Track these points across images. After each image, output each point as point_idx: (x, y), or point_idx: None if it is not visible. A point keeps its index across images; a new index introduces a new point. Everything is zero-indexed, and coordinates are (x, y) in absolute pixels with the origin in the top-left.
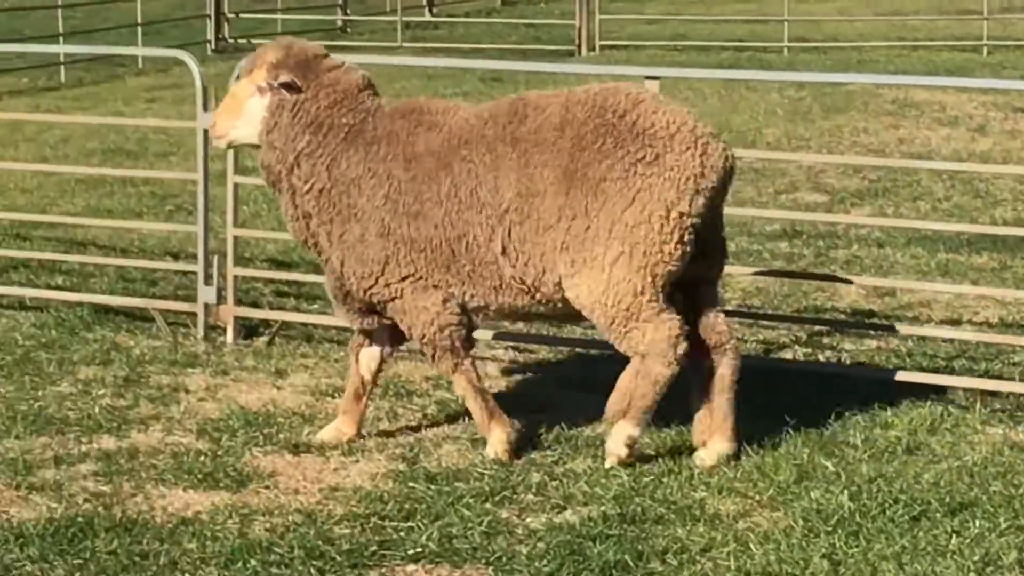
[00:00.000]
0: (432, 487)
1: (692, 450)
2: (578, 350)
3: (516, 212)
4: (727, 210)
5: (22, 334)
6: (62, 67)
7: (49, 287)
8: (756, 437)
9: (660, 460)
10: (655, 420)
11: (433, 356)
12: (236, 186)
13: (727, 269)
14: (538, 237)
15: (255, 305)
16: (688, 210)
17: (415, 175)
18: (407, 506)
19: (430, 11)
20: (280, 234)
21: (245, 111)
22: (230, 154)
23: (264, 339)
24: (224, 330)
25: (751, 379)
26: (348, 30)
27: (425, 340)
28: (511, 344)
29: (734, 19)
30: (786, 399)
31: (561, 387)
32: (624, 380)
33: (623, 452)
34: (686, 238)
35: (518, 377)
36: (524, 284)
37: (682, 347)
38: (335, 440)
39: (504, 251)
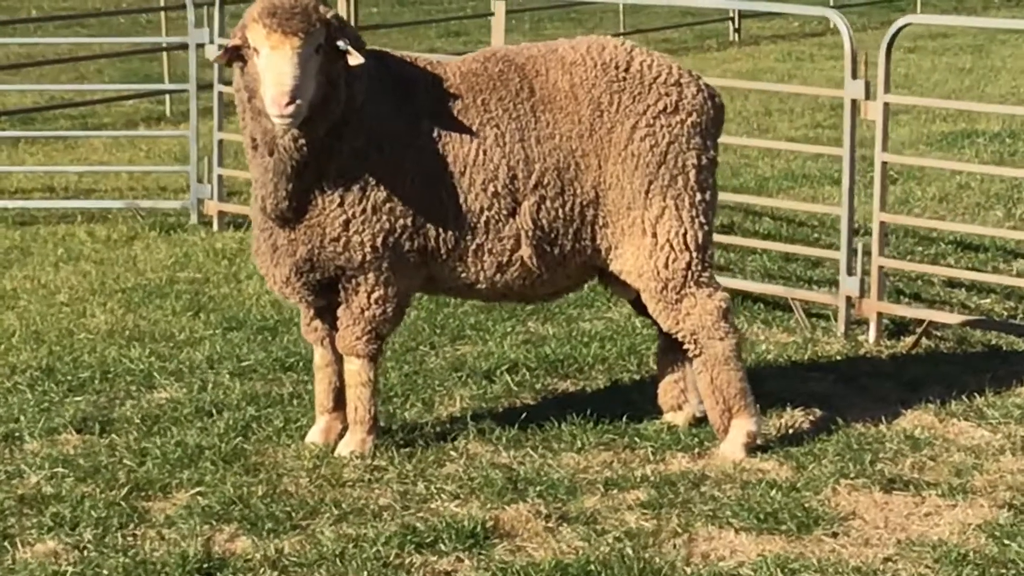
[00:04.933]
0: None
1: None
2: None
3: (547, 187)
4: None
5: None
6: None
7: None
8: None
9: None
10: None
11: (359, 335)
12: (884, 164)
13: None
14: (572, 213)
15: (906, 297)
16: (713, 154)
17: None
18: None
19: None
20: (926, 222)
21: None
22: (878, 128)
23: (909, 340)
24: (867, 326)
25: None
26: None
27: (367, 317)
28: None
29: None
30: None
31: None
32: (704, 386)
33: (741, 454)
34: (715, 183)
35: None
36: (540, 262)
37: (732, 317)
38: (324, 441)
39: (530, 228)
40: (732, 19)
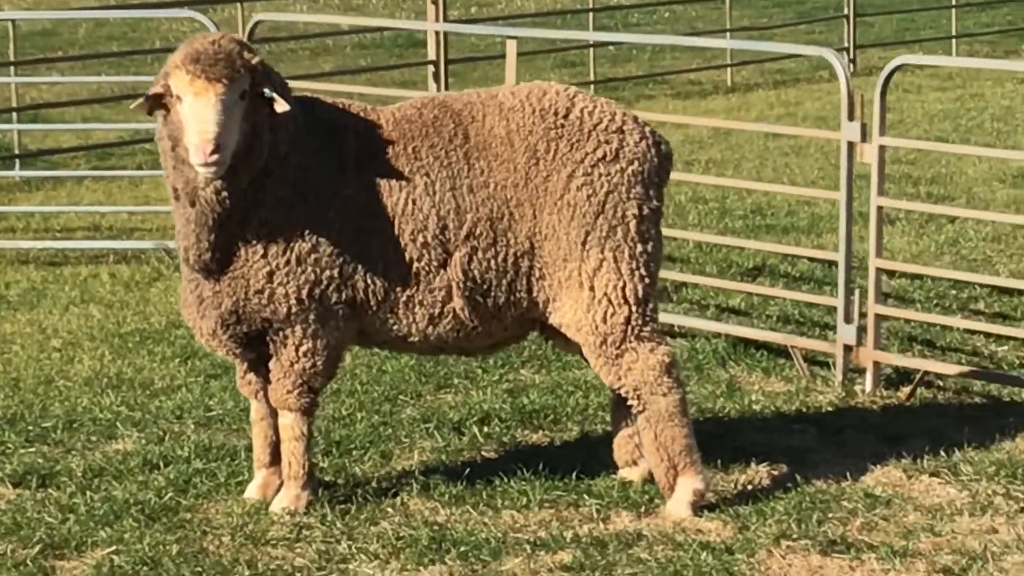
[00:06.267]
0: None
1: None
2: None
3: (480, 238)
4: None
5: None
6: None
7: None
8: None
9: None
10: None
11: (290, 388)
12: (880, 209)
13: None
14: (506, 265)
15: (917, 344)
16: (657, 204)
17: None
18: None
19: None
20: (930, 269)
21: None
22: (873, 171)
23: (906, 391)
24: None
25: None
26: None
27: (297, 370)
28: None
29: None
30: None
31: None
32: (648, 443)
33: (687, 513)
34: (660, 233)
35: None
36: (473, 314)
37: (676, 372)
38: (262, 497)
39: (461, 280)
40: (847, 49)
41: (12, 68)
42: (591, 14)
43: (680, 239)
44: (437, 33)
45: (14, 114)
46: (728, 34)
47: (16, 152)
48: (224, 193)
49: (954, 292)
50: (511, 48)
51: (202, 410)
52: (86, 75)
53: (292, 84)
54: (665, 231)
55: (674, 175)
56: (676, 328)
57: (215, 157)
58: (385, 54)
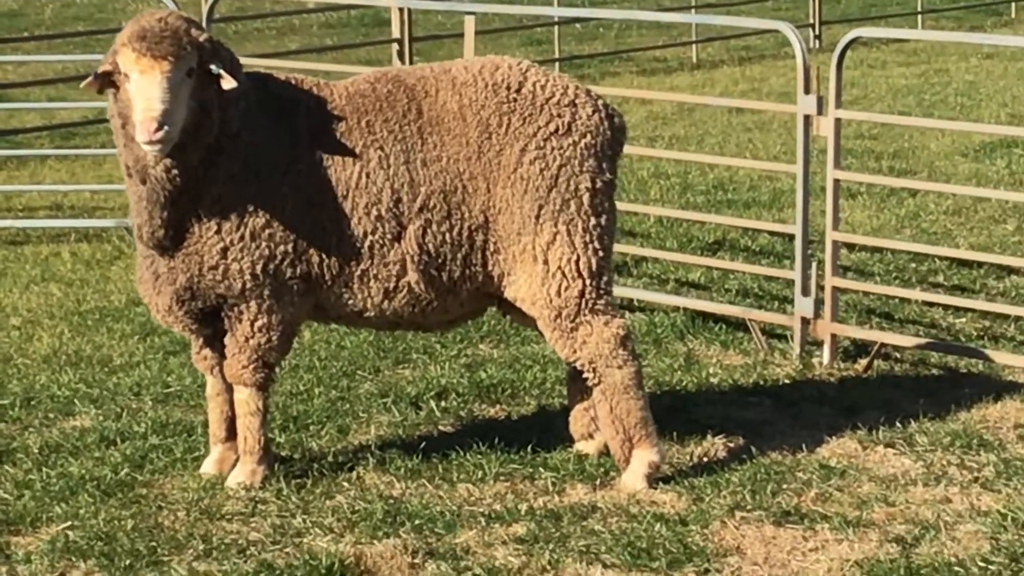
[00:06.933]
0: None
1: None
2: None
3: (433, 211)
4: None
5: None
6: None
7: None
8: None
9: None
10: None
11: (245, 363)
12: (837, 182)
13: None
14: (460, 238)
15: (875, 316)
16: (610, 177)
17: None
18: None
19: None
20: (888, 241)
21: None
22: (829, 144)
23: (863, 363)
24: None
25: None
26: None
27: (252, 345)
28: None
29: None
30: None
31: None
32: (604, 416)
33: (643, 485)
34: (614, 206)
35: None
36: (428, 288)
37: (631, 344)
38: (218, 472)
39: (416, 253)
40: (813, 25)
41: None
42: None
43: (641, 214)
44: (401, 10)
45: None
46: (693, 11)
47: None
48: (174, 171)
49: (913, 265)
50: (469, 24)
51: (160, 387)
52: (52, 55)
53: (257, 63)
54: (627, 206)
55: (636, 150)
56: (635, 302)
57: (160, 135)
58: (352, 33)
